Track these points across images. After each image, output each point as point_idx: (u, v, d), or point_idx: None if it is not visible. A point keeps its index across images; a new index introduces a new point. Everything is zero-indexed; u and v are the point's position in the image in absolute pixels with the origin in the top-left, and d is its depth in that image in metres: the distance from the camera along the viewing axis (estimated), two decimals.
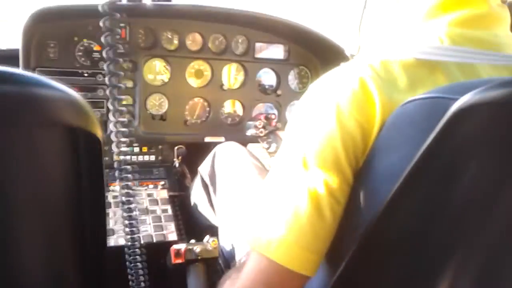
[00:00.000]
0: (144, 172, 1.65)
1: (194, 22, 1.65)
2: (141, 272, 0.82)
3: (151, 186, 1.59)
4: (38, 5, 1.43)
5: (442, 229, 0.55)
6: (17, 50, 1.43)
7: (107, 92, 0.66)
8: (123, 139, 0.69)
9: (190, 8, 1.62)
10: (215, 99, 1.75)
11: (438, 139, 0.49)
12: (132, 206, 0.76)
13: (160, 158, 1.76)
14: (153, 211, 1.47)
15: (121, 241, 1.33)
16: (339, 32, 1.71)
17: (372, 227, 0.56)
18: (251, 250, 0.66)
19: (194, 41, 1.67)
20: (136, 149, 1.69)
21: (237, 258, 1.14)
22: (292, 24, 1.68)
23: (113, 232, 1.34)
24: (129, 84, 1.58)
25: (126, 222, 0.77)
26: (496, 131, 0.49)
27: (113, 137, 0.69)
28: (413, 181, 0.52)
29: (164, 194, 1.57)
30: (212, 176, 1.42)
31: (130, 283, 0.84)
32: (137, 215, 0.78)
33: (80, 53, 1.54)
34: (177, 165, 1.74)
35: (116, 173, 0.72)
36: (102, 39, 0.62)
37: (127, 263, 0.82)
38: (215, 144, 1.57)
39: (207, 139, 1.75)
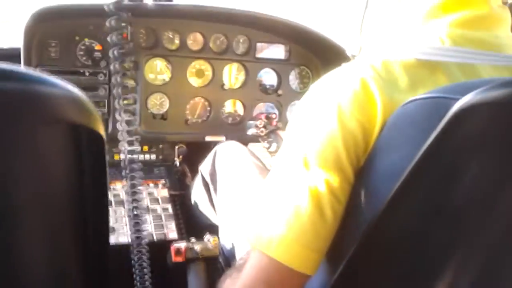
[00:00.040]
0: (145, 171, 1.65)
1: (195, 22, 1.65)
2: (146, 270, 0.82)
3: (151, 185, 1.60)
4: (40, 5, 1.43)
5: (443, 229, 0.55)
6: (18, 49, 1.44)
7: (114, 91, 0.66)
8: (130, 138, 0.69)
9: (191, 8, 1.62)
10: (216, 99, 1.75)
11: (439, 139, 0.49)
12: (139, 204, 0.76)
13: (160, 157, 1.76)
14: (154, 210, 1.48)
15: (122, 239, 1.34)
16: (341, 33, 1.72)
17: (372, 226, 0.57)
18: (252, 249, 0.67)
19: (195, 41, 1.67)
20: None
21: (237, 256, 1.15)
22: (293, 24, 1.68)
23: (113, 230, 1.34)
24: (131, 83, 1.59)
25: (133, 221, 0.77)
26: (496, 131, 0.49)
27: (120, 135, 0.69)
28: (414, 181, 0.52)
29: (164, 193, 1.57)
30: (213, 175, 1.42)
31: (135, 281, 0.84)
32: (142, 213, 0.78)
33: (81, 53, 1.54)
34: (177, 164, 1.75)
35: (124, 172, 0.72)
36: (109, 38, 0.62)
37: (133, 261, 0.82)
38: (215, 143, 1.57)
39: (208, 138, 1.75)
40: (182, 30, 1.64)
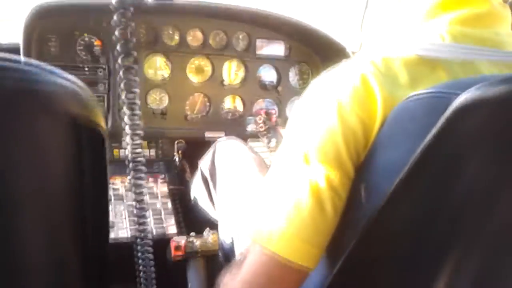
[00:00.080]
0: (145, 167, 1.65)
1: (195, 19, 1.65)
2: (151, 264, 0.83)
3: (151, 180, 1.59)
4: (40, 1, 1.43)
5: (442, 225, 0.55)
6: (18, 45, 1.43)
7: (122, 85, 0.66)
8: (134, 132, 0.69)
9: (191, 4, 1.62)
10: (216, 95, 1.76)
11: (439, 135, 0.49)
12: (143, 199, 0.76)
13: (160, 152, 1.76)
14: (153, 205, 1.48)
15: (122, 234, 1.34)
16: (342, 30, 1.72)
17: (372, 222, 0.57)
18: (252, 243, 0.67)
19: (195, 37, 1.67)
20: None
21: (236, 252, 1.15)
22: (293, 21, 1.69)
23: (113, 225, 1.35)
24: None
25: (138, 216, 0.77)
26: (496, 127, 0.49)
27: (126, 129, 0.69)
28: (414, 176, 0.53)
29: (164, 188, 1.57)
30: (212, 170, 1.42)
31: (140, 276, 0.84)
32: (146, 208, 0.78)
33: (80, 48, 1.54)
34: (177, 159, 1.75)
35: (128, 167, 0.72)
36: (116, 33, 0.62)
37: (137, 256, 0.82)
38: (215, 139, 1.57)
39: (207, 134, 1.75)
40: (181, 26, 1.64)
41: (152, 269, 0.84)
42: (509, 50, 0.65)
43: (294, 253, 0.62)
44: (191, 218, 1.53)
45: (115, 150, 1.66)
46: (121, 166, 1.62)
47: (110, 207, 1.40)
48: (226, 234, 1.24)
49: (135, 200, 0.76)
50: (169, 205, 1.50)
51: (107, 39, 1.56)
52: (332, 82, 0.64)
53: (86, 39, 1.54)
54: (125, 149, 0.75)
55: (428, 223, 0.56)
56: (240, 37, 1.72)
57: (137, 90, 0.66)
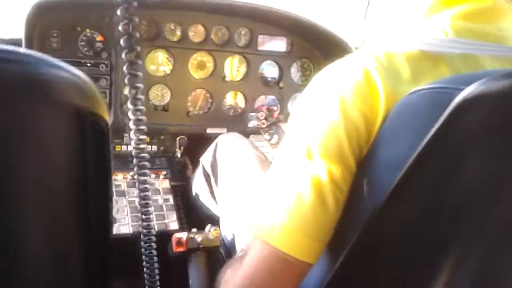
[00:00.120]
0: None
1: (197, 14, 1.65)
2: (155, 259, 0.83)
3: (153, 176, 1.60)
4: None
5: (443, 220, 0.55)
6: (20, 40, 1.43)
7: (126, 80, 0.66)
8: (139, 127, 0.69)
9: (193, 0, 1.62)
10: (217, 91, 1.76)
11: (442, 130, 0.49)
12: (148, 194, 0.76)
13: (162, 148, 1.77)
14: (155, 201, 1.49)
15: (124, 230, 1.34)
16: (345, 25, 1.72)
17: (374, 217, 0.57)
18: (254, 238, 0.67)
19: (197, 32, 1.67)
20: None
21: (238, 247, 1.15)
22: (295, 17, 1.68)
23: (115, 220, 1.35)
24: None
25: (143, 210, 0.77)
26: (499, 122, 0.49)
27: (131, 124, 0.69)
28: (416, 171, 0.53)
29: (166, 184, 1.58)
30: (214, 166, 1.42)
31: (145, 272, 0.84)
32: (150, 203, 0.78)
33: (82, 43, 1.54)
34: (179, 155, 1.75)
35: (133, 162, 0.72)
36: (120, 27, 0.61)
37: (143, 250, 0.82)
38: (217, 135, 1.57)
39: (209, 130, 1.75)
40: (183, 21, 1.64)
41: (156, 264, 0.84)
42: None
43: (295, 247, 0.62)
44: (193, 214, 1.53)
45: (117, 146, 1.66)
46: (123, 162, 1.63)
47: (112, 203, 1.41)
48: (227, 229, 1.25)
49: (139, 196, 0.76)
50: (171, 201, 1.51)
51: (109, 34, 1.56)
52: (335, 77, 0.64)
53: (88, 34, 1.54)
54: (127, 145, 0.75)
55: (430, 218, 0.56)
56: (242, 32, 1.72)
57: (141, 85, 0.66)
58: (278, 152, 0.69)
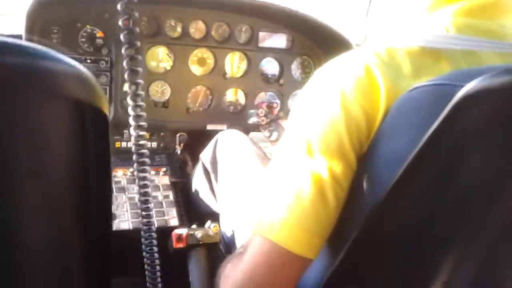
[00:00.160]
0: None
1: (197, 10, 1.64)
2: (156, 255, 0.83)
3: (153, 172, 1.60)
4: None
5: (444, 216, 0.55)
6: (20, 36, 1.43)
7: (125, 75, 0.65)
8: (139, 124, 0.68)
9: None
10: (218, 87, 1.75)
11: (443, 126, 0.49)
12: (148, 191, 0.76)
13: (162, 145, 1.77)
14: (155, 197, 1.48)
15: (124, 226, 1.34)
16: (347, 22, 1.71)
17: (374, 213, 0.57)
18: (254, 234, 0.67)
19: (197, 29, 1.66)
20: None
21: (237, 244, 1.15)
22: (296, 13, 1.67)
23: (115, 216, 1.35)
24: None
25: (143, 207, 0.77)
26: (501, 117, 0.49)
27: (131, 121, 0.69)
28: (417, 167, 0.52)
29: (165, 180, 1.58)
30: (214, 163, 1.42)
31: (146, 266, 0.85)
32: (150, 200, 0.78)
33: (83, 39, 1.54)
34: (178, 152, 1.75)
35: (133, 158, 0.72)
36: (120, 22, 0.61)
37: (143, 247, 0.82)
38: (216, 131, 1.57)
39: (209, 127, 1.75)
40: (184, 18, 1.63)
41: (157, 261, 0.84)
42: None
43: (294, 243, 0.62)
44: (193, 210, 1.53)
45: (117, 142, 1.66)
46: (122, 158, 1.63)
47: (112, 199, 1.41)
48: (227, 226, 1.25)
49: (139, 192, 0.76)
50: (171, 197, 1.51)
51: (109, 30, 1.55)
52: (336, 72, 0.64)
53: (89, 30, 1.54)
54: (127, 141, 0.75)
55: (431, 214, 0.56)
56: (243, 29, 1.71)
57: (141, 81, 0.66)
58: (278, 147, 0.69)
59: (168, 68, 1.67)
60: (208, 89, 1.75)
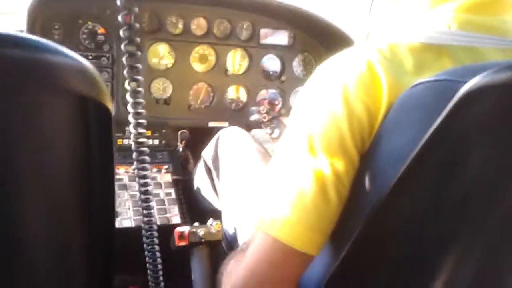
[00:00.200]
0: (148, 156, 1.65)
1: (199, 7, 1.64)
2: (156, 252, 0.83)
3: (154, 169, 1.60)
4: None
5: (446, 214, 0.55)
6: (22, 32, 1.43)
7: (125, 72, 0.65)
8: (138, 121, 0.68)
9: None
10: (219, 84, 1.75)
11: (445, 122, 0.49)
12: (149, 188, 0.76)
13: (163, 142, 1.76)
14: (157, 195, 1.49)
15: (126, 223, 1.34)
16: (348, 20, 1.70)
17: (376, 211, 0.56)
18: (256, 230, 0.67)
19: (199, 25, 1.66)
20: None
21: (240, 241, 1.15)
22: (298, 10, 1.67)
23: (117, 214, 1.35)
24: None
25: (144, 204, 0.77)
26: (504, 113, 0.49)
27: (130, 118, 0.69)
28: (419, 164, 0.52)
29: (167, 177, 1.58)
30: (215, 160, 1.42)
31: (148, 265, 0.85)
32: (151, 197, 0.78)
33: (84, 36, 1.54)
34: (180, 149, 1.75)
35: (133, 155, 0.72)
36: (119, 18, 0.61)
37: (145, 244, 0.82)
38: (218, 129, 1.57)
39: (211, 124, 1.75)
40: (185, 14, 1.63)
41: (159, 259, 0.84)
42: None
43: (296, 239, 0.62)
44: (195, 208, 1.53)
45: (119, 139, 1.66)
46: (124, 156, 1.63)
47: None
48: (229, 223, 1.25)
49: (139, 190, 0.76)
50: (173, 194, 1.51)
51: (111, 27, 1.55)
52: (338, 68, 0.63)
53: (90, 27, 1.54)
54: (128, 138, 0.75)
55: (433, 212, 0.56)
56: (244, 26, 1.71)
57: (140, 78, 0.66)
58: (280, 144, 0.68)
59: (170, 65, 1.67)
60: (209, 86, 1.74)
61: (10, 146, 0.48)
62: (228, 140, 1.42)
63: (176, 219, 1.41)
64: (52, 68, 0.46)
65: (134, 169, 0.74)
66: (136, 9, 0.60)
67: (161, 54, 1.65)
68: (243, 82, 1.78)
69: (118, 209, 1.37)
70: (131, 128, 0.70)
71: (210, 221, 1.18)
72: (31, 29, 1.43)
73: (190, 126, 1.76)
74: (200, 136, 1.71)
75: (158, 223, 1.37)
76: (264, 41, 1.74)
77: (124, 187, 1.47)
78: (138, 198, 0.78)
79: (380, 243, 0.60)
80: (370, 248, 0.61)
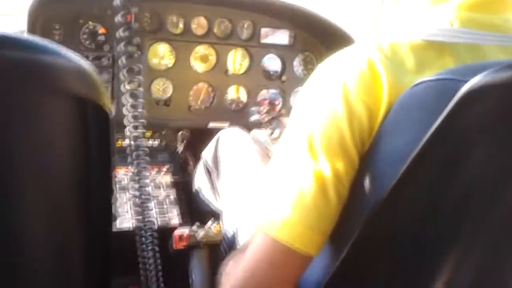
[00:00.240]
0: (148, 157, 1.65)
1: (199, 6, 1.64)
2: (152, 255, 0.82)
3: (154, 171, 1.60)
4: None
5: (447, 214, 0.55)
6: (22, 33, 1.43)
7: (121, 74, 0.64)
8: (135, 123, 0.68)
9: None
10: (220, 85, 1.75)
11: (446, 122, 0.48)
12: (145, 191, 0.75)
13: (163, 143, 1.76)
14: (157, 196, 1.48)
15: (125, 225, 1.34)
16: (349, 19, 1.70)
17: (376, 211, 0.56)
18: (255, 231, 0.67)
19: (199, 25, 1.66)
20: None
21: (239, 242, 1.15)
22: (299, 9, 1.66)
23: (116, 216, 1.34)
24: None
25: (139, 207, 0.77)
26: (505, 113, 0.48)
27: (125, 120, 0.68)
28: (420, 165, 0.52)
29: (167, 179, 1.58)
30: (215, 161, 1.42)
31: (141, 265, 0.84)
32: (148, 199, 0.78)
33: (85, 36, 1.53)
34: (180, 150, 1.75)
35: (129, 158, 0.71)
36: (116, 18, 0.60)
37: (139, 246, 0.82)
38: (218, 129, 1.57)
39: (211, 125, 1.75)
40: (186, 14, 1.63)
41: (154, 260, 0.83)
42: None
43: (296, 239, 0.61)
44: (194, 209, 1.53)
45: (119, 140, 1.65)
46: (124, 157, 1.62)
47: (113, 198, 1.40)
48: (229, 224, 1.24)
49: (137, 192, 0.76)
50: (173, 196, 1.50)
51: (111, 27, 1.55)
52: (338, 66, 0.63)
53: (91, 27, 1.53)
54: (123, 139, 0.74)
55: (433, 213, 0.55)
56: (245, 25, 1.70)
57: (137, 80, 0.65)
58: (280, 143, 0.68)
59: (170, 65, 1.67)
60: (210, 86, 1.74)
61: (9, 147, 0.48)
62: (228, 141, 1.42)
63: (175, 220, 1.41)
64: (51, 69, 0.46)
65: (132, 171, 0.74)
66: (134, 9, 0.59)
67: (161, 54, 1.65)
68: (244, 82, 1.78)
69: (117, 211, 1.37)
70: (127, 131, 0.69)
71: (210, 223, 1.17)
72: (31, 29, 1.43)
73: (190, 127, 1.76)
74: (200, 137, 1.70)
75: (158, 224, 1.37)
76: (264, 40, 1.74)
77: (124, 189, 1.47)
78: (133, 202, 0.78)
79: (380, 243, 0.59)
80: (370, 248, 0.60)
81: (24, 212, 0.52)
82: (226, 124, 1.73)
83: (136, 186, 0.75)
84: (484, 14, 0.64)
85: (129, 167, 0.75)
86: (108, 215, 0.67)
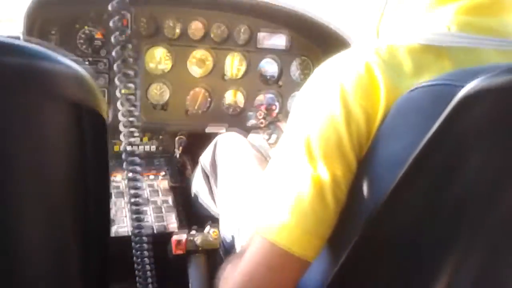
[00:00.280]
0: (145, 162, 1.65)
1: (196, 11, 1.64)
2: (147, 261, 0.82)
3: (152, 176, 1.59)
4: None
5: (445, 218, 0.55)
6: (18, 37, 1.43)
7: (116, 79, 0.64)
8: (129, 129, 0.67)
9: None
10: (217, 89, 1.74)
11: (444, 126, 0.48)
12: (139, 197, 0.75)
13: (161, 148, 1.75)
14: (154, 202, 1.47)
15: (122, 231, 1.33)
16: (347, 23, 1.70)
17: (374, 216, 0.56)
18: (253, 235, 0.66)
19: (196, 29, 1.65)
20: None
21: (237, 247, 1.15)
22: (295, 13, 1.66)
23: (113, 221, 1.34)
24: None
25: (134, 216, 0.76)
26: (502, 117, 0.48)
27: (121, 127, 0.68)
28: (417, 169, 0.52)
29: (165, 184, 1.56)
30: (213, 166, 1.42)
31: (136, 272, 0.84)
32: (142, 205, 0.77)
33: (81, 41, 1.53)
34: (178, 155, 1.74)
35: (124, 164, 0.71)
36: (111, 23, 0.60)
37: (134, 252, 0.81)
38: (216, 134, 1.56)
39: (208, 129, 1.75)
40: (183, 18, 1.63)
41: (148, 266, 0.83)
42: None
43: (294, 243, 0.61)
44: (192, 214, 1.52)
45: (116, 146, 1.64)
46: (122, 162, 1.62)
47: (111, 204, 1.40)
48: (227, 229, 1.24)
49: (132, 198, 0.75)
50: (170, 201, 1.49)
51: (108, 31, 1.55)
52: (335, 69, 0.63)
53: (87, 31, 1.53)
54: (119, 144, 0.74)
55: (431, 216, 0.55)
56: (242, 30, 1.71)
57: (132, 85, 0.65)
58: (278, 147, 0.68)
59: (167, 69, 1.66)
60: (207, 91, 1.74)
61: (6, 152, 0.48)
62: (226, 146, 1.42)
63: (173, 225, 1.40)
64: (47, 75, 0.46)
65: (126, 177, 0.74)
66: (129, 15, 0.59)
67: (158, 59, 1.65)
68: (241, 86, 1.78)
69: (115, 217, 1.36)
70: (122, 137, 0.69)
71: (208, 228, 1.17)
72: (28, 34, 1.42)
73: (187, 131, 1.76)
74: (197, 142, 1.70)
75: (156, 229, 1.36)
76: (261, 45, 1.74)
77: (121, 195, 1.45)
78: (128, 209, 0.78)
79: (379, 247, 0.59)
80: (368, 253, 0.60)
81: (21, 217, 0.52)
82: (223, 129, 1.73)
83: (132, 192, 0.75)
84: (482, 18, 0.64)
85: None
86: (106, 220, 0.66)
